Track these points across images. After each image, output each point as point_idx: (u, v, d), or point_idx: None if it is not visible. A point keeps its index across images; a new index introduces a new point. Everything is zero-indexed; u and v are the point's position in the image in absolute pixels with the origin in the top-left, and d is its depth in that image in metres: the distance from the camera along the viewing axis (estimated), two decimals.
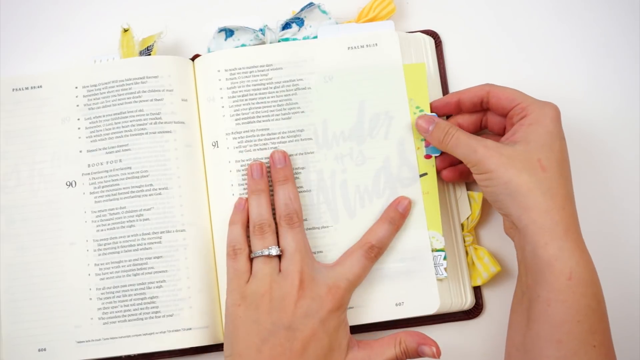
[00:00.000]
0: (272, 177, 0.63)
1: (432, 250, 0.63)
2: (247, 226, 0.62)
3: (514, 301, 0.59)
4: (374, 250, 0.61)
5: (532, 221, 0.56)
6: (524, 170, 0.57)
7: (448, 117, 0.66)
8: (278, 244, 0.61)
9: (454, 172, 0.64)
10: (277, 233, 0.61)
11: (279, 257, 0.60)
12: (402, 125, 0.64)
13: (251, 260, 0.61)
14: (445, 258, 0.63)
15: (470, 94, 0.63)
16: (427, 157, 0.64)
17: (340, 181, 0.64)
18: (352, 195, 0.64)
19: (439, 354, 0.58)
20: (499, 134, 0.64)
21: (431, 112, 0.65)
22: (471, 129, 0.64)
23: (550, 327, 0.55)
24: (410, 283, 0.62)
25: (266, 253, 0.60)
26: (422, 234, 0.63)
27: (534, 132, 0.58)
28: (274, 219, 0.62)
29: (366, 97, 0.65)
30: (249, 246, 0.61)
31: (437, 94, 0.68)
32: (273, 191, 0.63)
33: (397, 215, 0.62)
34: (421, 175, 0.64)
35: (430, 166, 0.64)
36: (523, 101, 0.60)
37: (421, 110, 0.65)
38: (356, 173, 0.64)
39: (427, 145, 0.64)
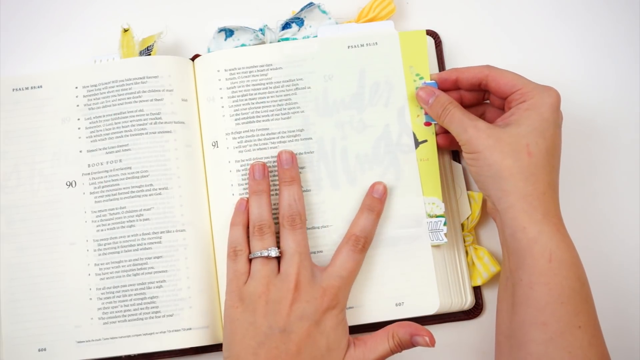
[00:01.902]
0: (279, 177, 0.63)
1: (433, 216, 0.63)
2: (248, 227, 0.62)
3: (499, 288, 0.59)
4: (360, 241, 0.61)
5: (510, 205, 0.57)
6: (509, 154, 0.57)
7: None
8: (278, 245, 0.61)
9: (445, 139, 0.65)
10: (277, 234, 0.61)
11: (278, 258, 0.60)
12: (402, 93, 0.65)
13: (250, 261, 0.61)
14: (445, 224, 0.63)
15: (469, 75, 0.63)
16: (427, 124, 0.64)
17: (341, 148, 0.64)
18: (352, 161, 0.64)
19: (432, 342, 0.57)
20: (500, 108, 0.64)
21: (431, 80, 0.65)
22: (474, 101, 0.65)
23: (534, 311, 0.55)
24: (410, 282, 0.62)
25: (265, 254, 0.60)
26: (418, 201, 0.63)
27: (529, 117, 0.58)
28: (275, 219, 0.62)
29: (366, 66, 0.65)
30: (250, 247, 0.61)
31: None
32: (278, 191, 0.63)
33: (375, 202, 0.62)
34: (421, 142, 0.64)
35: (430, 133, 0.64)
36: (524, 86, 0.60)
37: (421, 78, 0.65)
38: (356, 140, 0.64)
39: (427, 113, 0.64)
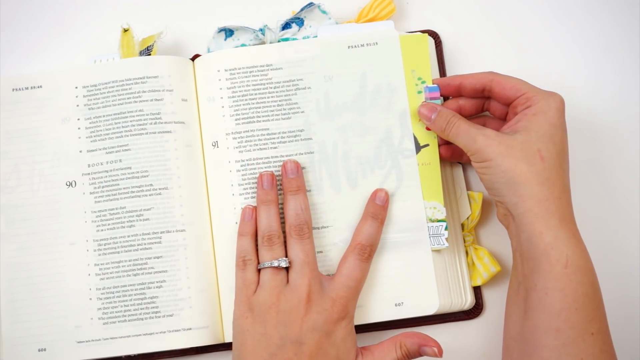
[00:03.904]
0: (284, 186, 0.62)
1: (434, 221, 0.63)
2: (256, 236, 0.62)
3: (509, 292, 0.59)
4: (365, 249, 0.61)
5: (527, 210, 0.56)
6: (523, 159, 0.57)
7: (448, 97, 0.66)
8: (286, 255, 0.61)
9: (447, 150, 0.65)
10: (285, 243, 0.61)
11: (287, 268, 0.60)
12: (404, 97, 0.65)
13: (259, 270, 0.60)
14: (446, 228, 0.63)
15: (472, 80, 0.63)
16: (429, 128, 0.64)
17: (342, 152, 0.64)
18: (354, 165, 0.64)
19: (440, 353, 0.58)
20: (500, 118, 0.64)
21: (433, 84, 0.65)
22: (472, 111, 0.65)
23: (548, 316, 0.55)
24: (410, 282, 0.62)
25: (275, 264, 0.59)
26: (419, 206, 0.63)
27: (537, 123, 0.58)
28: (283, 229, 0.62)
29: (367, 70, 0.65)
30: (258, 257, 0.61)
31: None
32: (283, 200, 0.62)
33: (378, 209, 0.62)
34: (423, 146, 0.64)
35: (432, 137, 0.64)
36: (529, 91, 0.60)
37: (423, 82, 0.65)
38: (358, 144, 0.64)
39: (429, 129, 0.64)
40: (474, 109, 0.65)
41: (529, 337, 0.56)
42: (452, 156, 0.65)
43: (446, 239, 0.63)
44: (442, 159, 0.65)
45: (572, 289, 0.55)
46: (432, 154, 0.64)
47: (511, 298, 0.59)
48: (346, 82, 0.65)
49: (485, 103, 0.65)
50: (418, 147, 0.64)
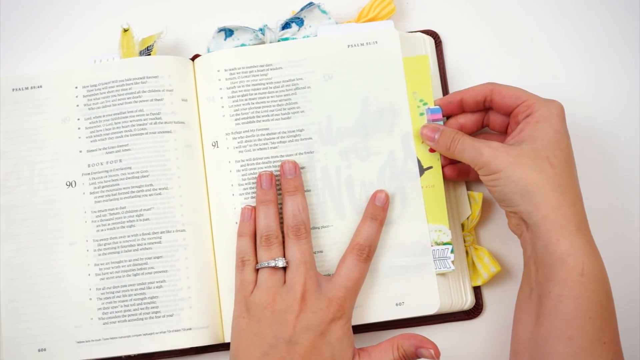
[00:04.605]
0: (282, 187, 0.62)
1: (439, 244, 0.63)
2: (256, 236, 0.62)
3: (520, 298, 0.59)
4: (364, 250, 0.61)
5: (543, 217, 0.56)
6: (533, 167, 0.57)
7: (448, 117, 0.66)
8: (284, 255, 0.61)
9: (453, 170, 0.65)
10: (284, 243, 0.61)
11: (285, 268, 0.60)
12: (406, 119, 0.64)
13: (257, 270, 0.60)
14: (452, 251, 0.63)
15: (473, 93, 0.63)
16: (432, 150, 0.64)
17: (346, 177, 0.64)
18: (358, 190, 0.64)
19: (437, 355, 0.57)
20: (500, 132, 0.64)
21: (435, 105, 0.65)
22: (473, 128, 0.65)
23: (561, 324, 0.54)
24: (411, 282, 0.62)
25: (272, 264, 0.59)
26: (423, 229, 0.63)
27: (541, 130, 0.58)
28: (282, 229, 0.62)
29: (369, 92, 0.65)
30: (257, 257, 0.61)
31: (437, 93, 0.68)
32: (282, 201, 0.62)
33: (378, 210, 0.62)
34: (427, 169, 0.64)
35: (435, 159, 0.64)
36: (528, 99, 0.60)
37: (425, 104, 0.65)
38: (361, 168, 0.64)
39: (433, 151, 0.64)
40: (474, 126, 0.65)
41: (541, 343, 0.55)
42: (459, 175, 0.65)
43: (452, 261, 0.63)
44: (448, 180, 0.65)
45: (586, 298, 0.54)
46: (436, 176, 0.64)
47: (522, 304, 0.58)
48: (348, 105, 0.65)
49: (484, 118, 0.65)
50: (422, 170, 0.64)
